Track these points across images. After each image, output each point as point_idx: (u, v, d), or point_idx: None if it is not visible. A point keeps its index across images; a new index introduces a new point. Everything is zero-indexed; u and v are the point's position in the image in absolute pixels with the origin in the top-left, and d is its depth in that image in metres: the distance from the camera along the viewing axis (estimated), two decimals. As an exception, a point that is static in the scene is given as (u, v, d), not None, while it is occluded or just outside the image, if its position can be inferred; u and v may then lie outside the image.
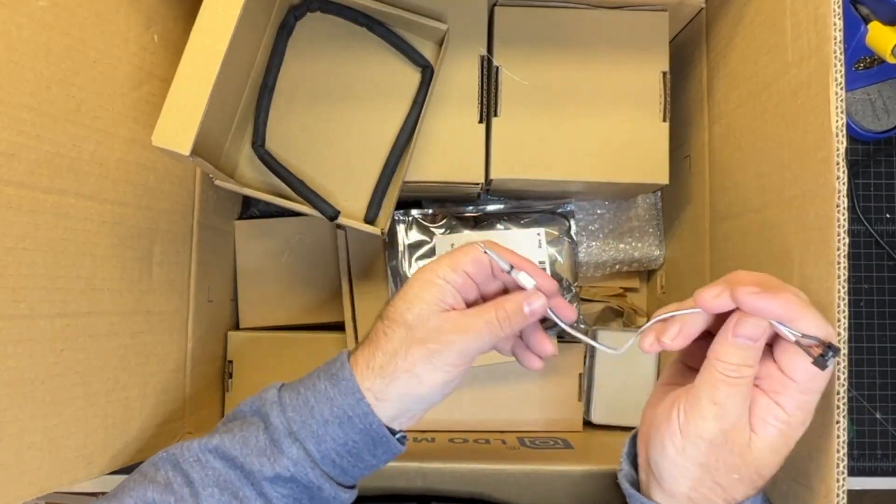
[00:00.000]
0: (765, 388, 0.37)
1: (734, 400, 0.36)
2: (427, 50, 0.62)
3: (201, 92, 0.44)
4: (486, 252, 0.43)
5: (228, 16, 0.44)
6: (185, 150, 0.44)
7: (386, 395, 0.42)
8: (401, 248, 0.67)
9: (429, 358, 0.41)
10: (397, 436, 0.44)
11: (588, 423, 0.70)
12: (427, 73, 0.60)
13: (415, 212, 0.68)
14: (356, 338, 0.67)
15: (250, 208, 0.77)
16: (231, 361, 0.72)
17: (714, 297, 0.37)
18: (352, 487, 0.45)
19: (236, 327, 0.75)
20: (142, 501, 0.41)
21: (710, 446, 0.37)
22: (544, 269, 0.64)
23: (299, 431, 0.41)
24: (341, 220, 0.57)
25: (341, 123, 0.60)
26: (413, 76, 0.61)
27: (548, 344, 0.46)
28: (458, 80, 0.62)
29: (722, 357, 0.37)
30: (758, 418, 0.37)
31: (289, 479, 0.41)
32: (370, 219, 0.58)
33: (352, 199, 0.59)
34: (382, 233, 0.57)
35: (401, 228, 0.68)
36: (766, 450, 0.37)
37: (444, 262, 0.43)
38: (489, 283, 0.45)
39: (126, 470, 0.51)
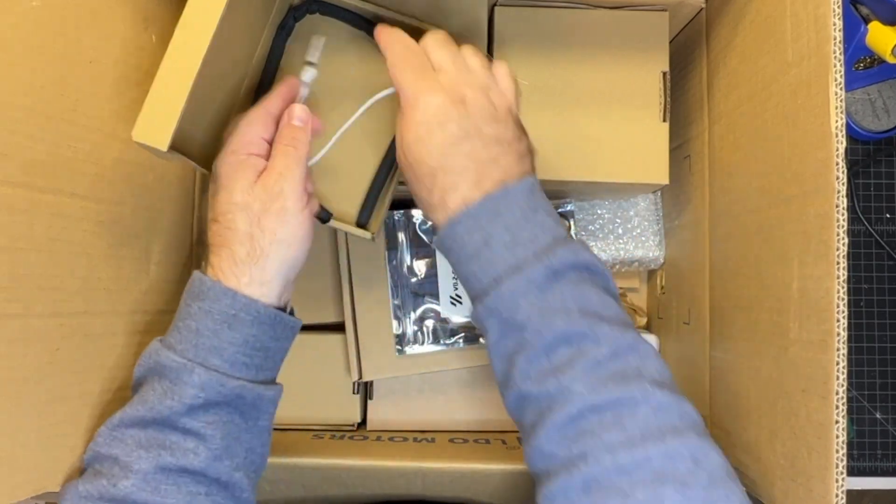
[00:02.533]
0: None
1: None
2: (426, 49, 0.61)
3: (181, 88, 0.43)
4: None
5: (211, 12, 0.44)
6: (164, 145, 0.43)
7: (268, 277, 0.42)
8: (400, 248, 0.67)
9: (280, 217, 0.43)
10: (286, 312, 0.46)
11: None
12: (426, 73, 0.60)
13: (415, 212, 0.68)
14: (356, 338, 0.67)
15: (249, 208, 0.77)
16: (229, 362, 0.71)
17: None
18: (272, 383, 0.46)
19: (235, 327, 0.75)
20: (76, 499, 0.40)
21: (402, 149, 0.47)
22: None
23: (196, 356, 0.41)
24: (333, 223, 0.56)
25: (337, 125, 0.60)
26: (412, 76, 0.61)
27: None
28: (457, 79, 0.61)
29: None
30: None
31: (204, 405, 0.41)
32: (362, 222, 0.58)
33: (345, 202, 0.58)
34: (373, 237, 0.57)
35: (400, 229, 0.67)
36: (407, 137, 0.46)
37: (240, 133, 0.46)
38: None
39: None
